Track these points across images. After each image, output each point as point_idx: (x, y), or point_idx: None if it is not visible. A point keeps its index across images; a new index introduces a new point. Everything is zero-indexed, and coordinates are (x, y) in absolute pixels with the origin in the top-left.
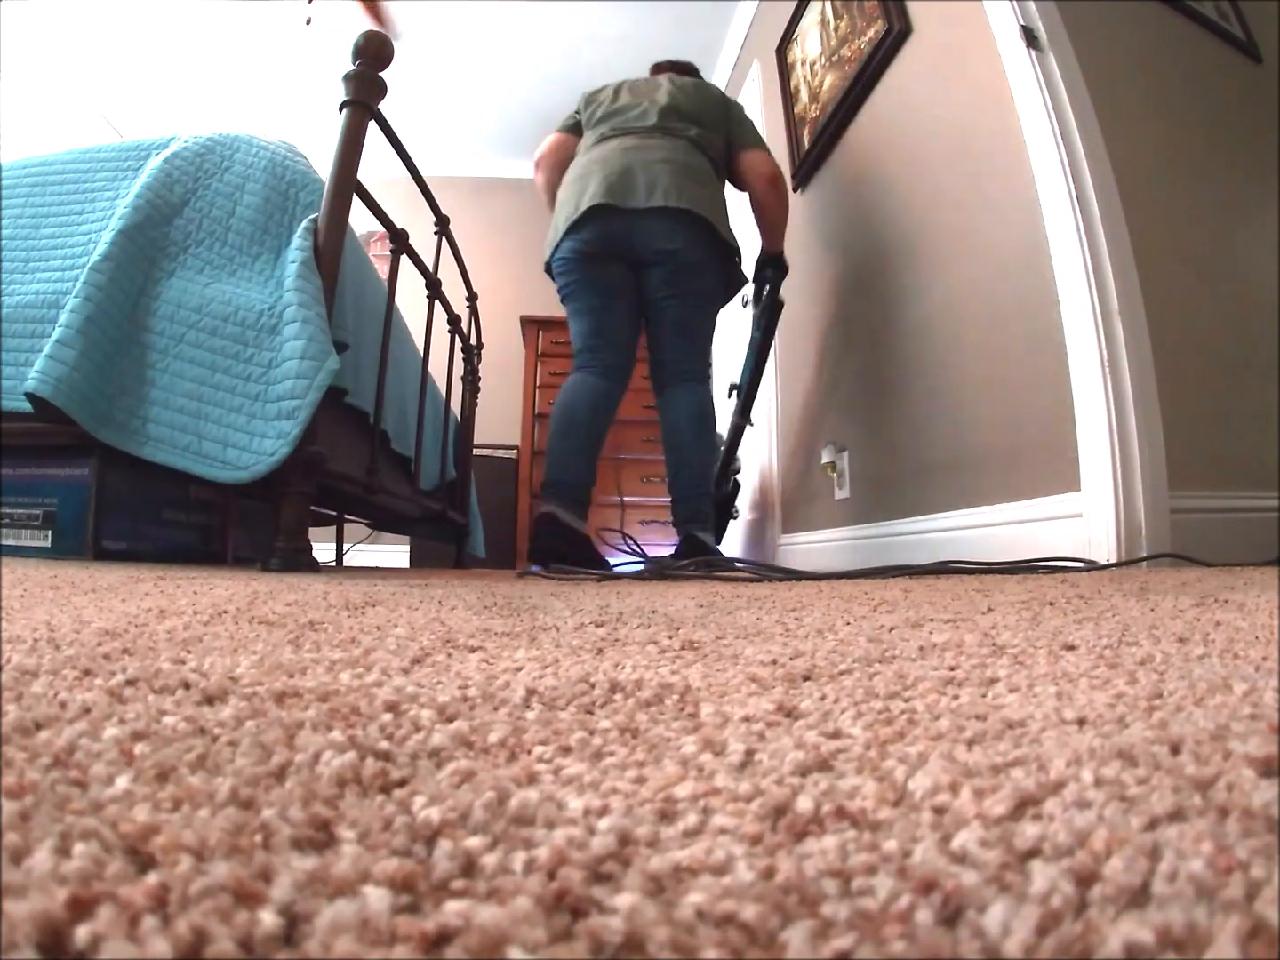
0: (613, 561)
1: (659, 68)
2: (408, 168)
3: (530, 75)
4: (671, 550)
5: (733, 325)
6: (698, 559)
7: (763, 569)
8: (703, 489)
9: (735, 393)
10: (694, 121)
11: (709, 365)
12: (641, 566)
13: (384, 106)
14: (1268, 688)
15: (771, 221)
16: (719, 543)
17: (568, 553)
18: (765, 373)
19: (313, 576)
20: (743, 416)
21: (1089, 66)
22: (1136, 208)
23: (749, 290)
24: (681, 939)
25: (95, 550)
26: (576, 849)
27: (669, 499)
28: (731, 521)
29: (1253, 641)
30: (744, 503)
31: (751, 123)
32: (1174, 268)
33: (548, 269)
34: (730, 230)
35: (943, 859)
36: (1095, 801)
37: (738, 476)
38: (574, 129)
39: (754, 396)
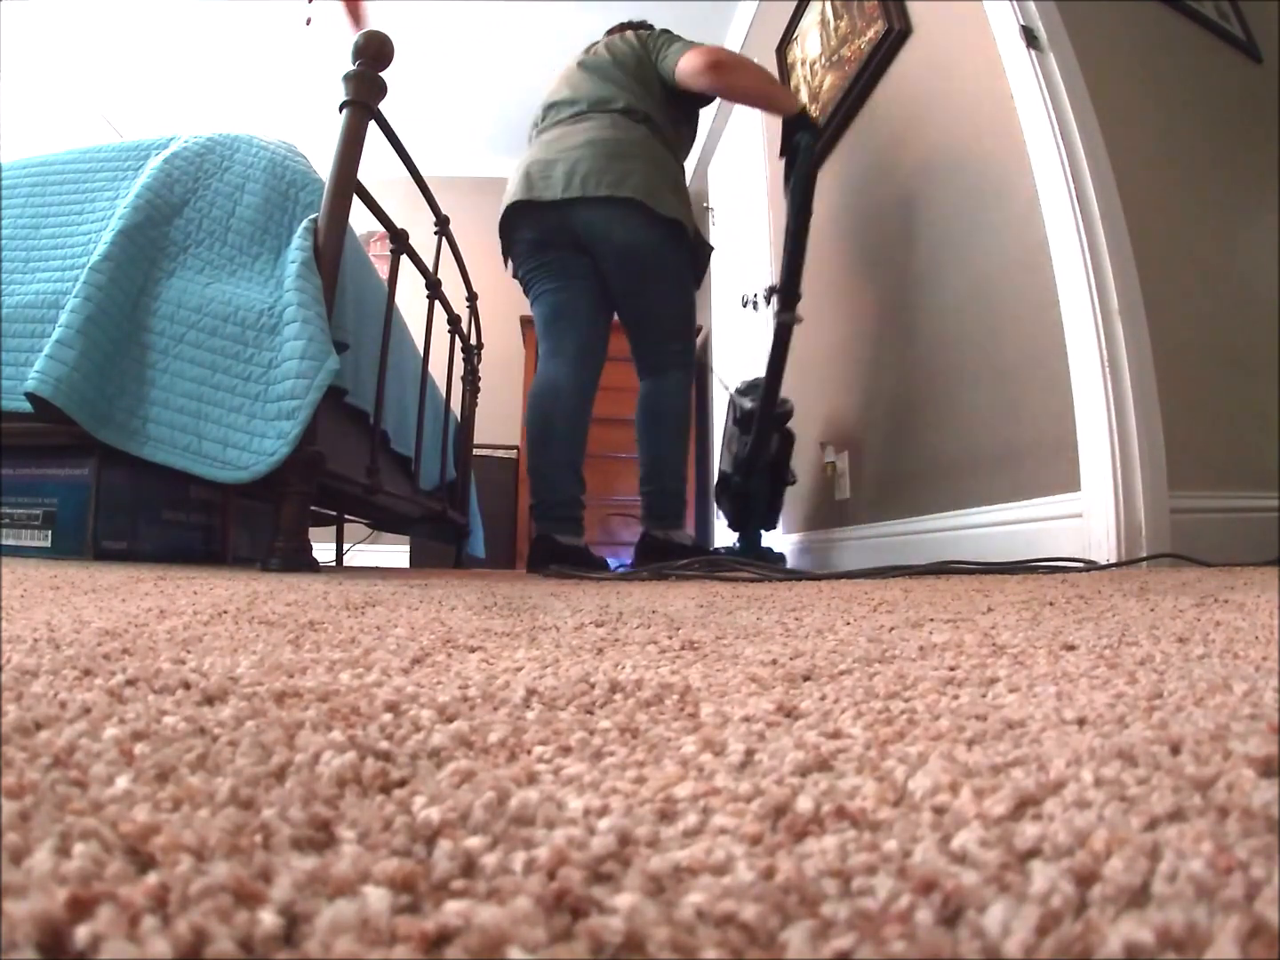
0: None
1: (610, 31)
2: (408, 168)
3: (530, 75)
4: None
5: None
6: (698, 559)
7: (763, 569)
8: (658, 484)
9: (772, 294)
10: (618, 85)
11: (680, 350)
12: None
13: (384, 106)
14: (1268, 688)
15: (754, 97)
16: (766, 523)
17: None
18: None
19: (313, 576)
20: (787, 310)
21: (1089, 66)
22: (1136, 208)
23: (749, 291)
24: (681, 939)
25: (95, 550)
26: (576, 849)
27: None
28: (789, 488)
29: (1253, 641)
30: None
31: (670, 37)
32: (1174, 268)
33: (516, 275)
34: (673, 200)
35: (943, 859)
36: (1095, 801)
37: (790, 424)
38: None
39: (795, 286)
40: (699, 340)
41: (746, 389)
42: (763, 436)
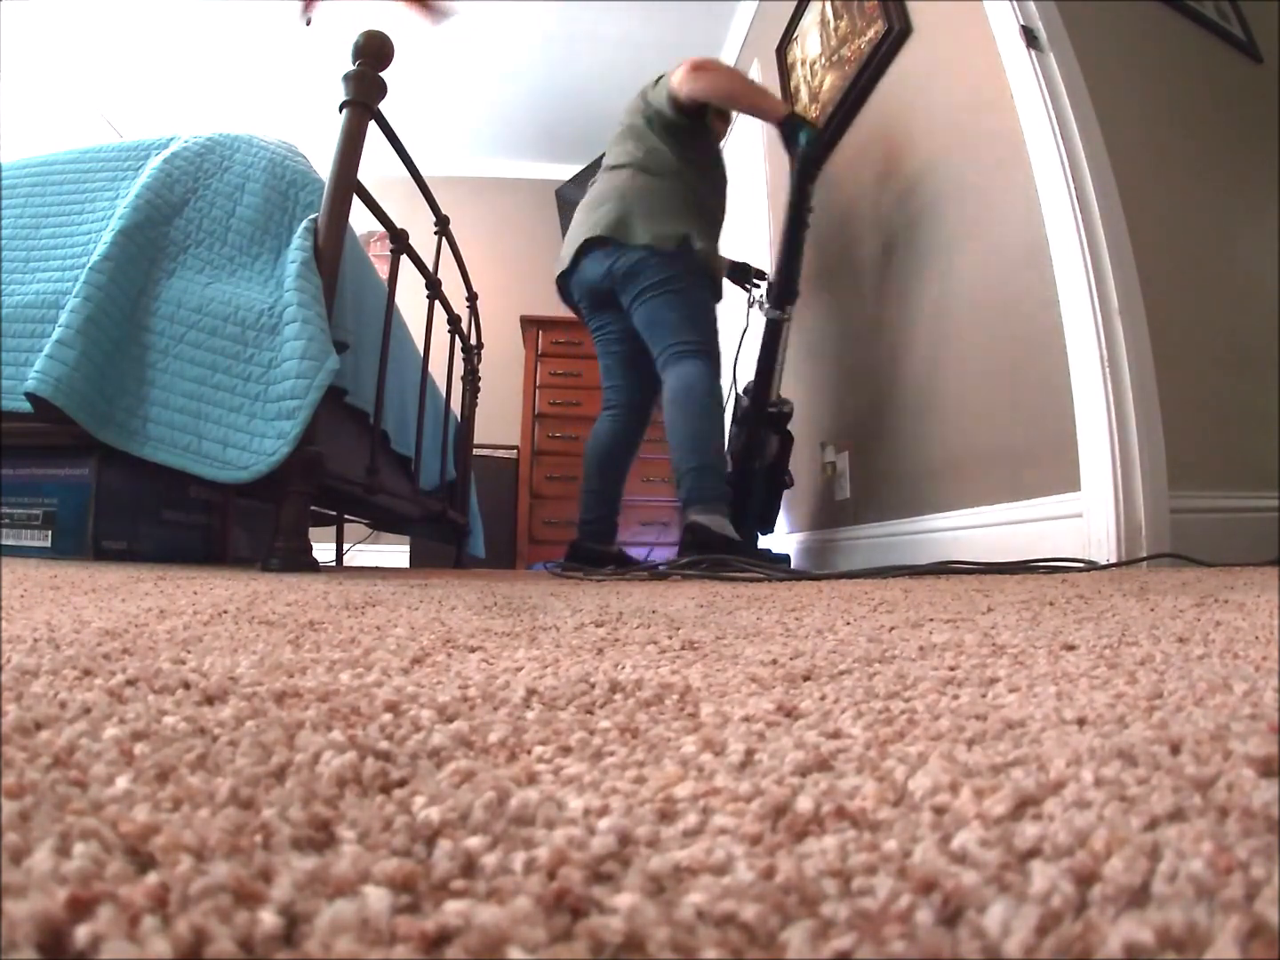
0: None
1: None
2: (408, 168)
3: (530, 75)
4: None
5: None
6: (698, 558)
7: (763, 569)
8: (689, 462)
9: (768, 292)
10: (613, 147)
11: (692, 340)
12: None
13: (384, 106)
14: (1268, 688)
15: (738, 98)
16: (763, 526)
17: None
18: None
19: (313, 576)
20: (777, 308)
21: (1089, 66)
22: (1136, 208)
23: (756, 292)
24: (681, 939)
25: (95, 550)
26: (576, 849)
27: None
28: (789, 491)
29: (1253, 641)
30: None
31: (663, 77)
32: (1174, 268)
33: None
34: (645, 227)
35: (943, 859)
36: (1095, 801)
37: (784, 416)
38: None
39: (788, 284)
40: None
41: (751, 388)
42: (756, 435)
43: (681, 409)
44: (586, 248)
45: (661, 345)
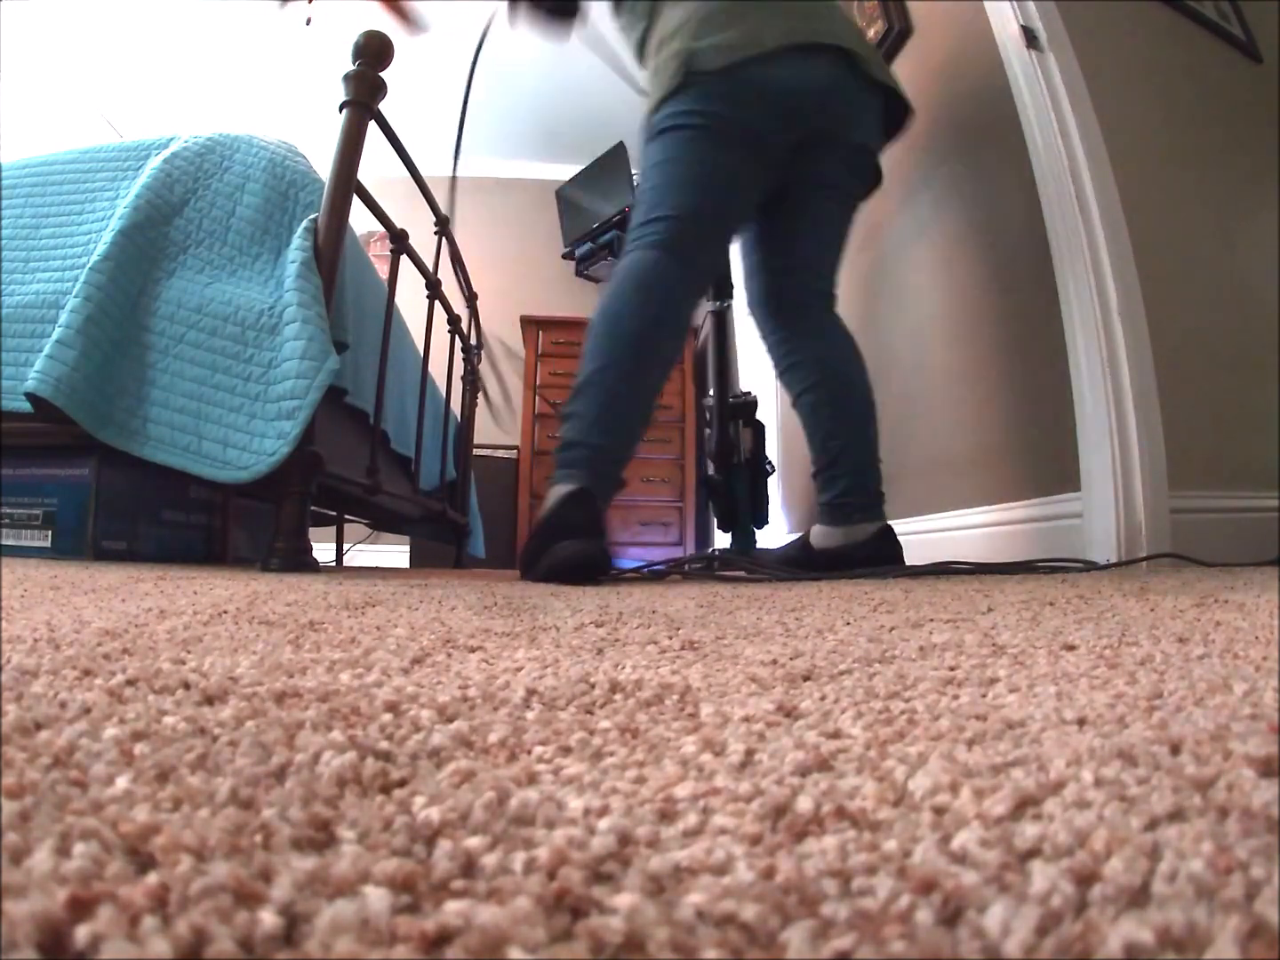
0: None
1: None
2: (408, 168)
3: (530, 75)
4: (788, 550)
5: None
6: (698, 556)
7: (763, 569)
8: (873, 470)
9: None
10: None
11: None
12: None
13: (384, 106)
14: (1268, 688)
15: None
16: (755, 520)
17: (586, 562)
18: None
19: (313, 576)
20: (717, 298)
21: (1089, 66)
22: (1136, 208)
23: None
24: (681, 939)
25: (95, 550)
26: (576, 849)
27: (827, 478)
28: (775, 479)
29: (1253, 641)
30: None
31: None
32: (1174, 268)
33: (680, 86)
34: None
35: (943, 859)
36: (1095, 801)
37: (751, 405)
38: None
39: (728, 276)
40: None
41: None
42: (728, 431)
43: (865, 394)
44: (876, 80)
45: (831, 279)
